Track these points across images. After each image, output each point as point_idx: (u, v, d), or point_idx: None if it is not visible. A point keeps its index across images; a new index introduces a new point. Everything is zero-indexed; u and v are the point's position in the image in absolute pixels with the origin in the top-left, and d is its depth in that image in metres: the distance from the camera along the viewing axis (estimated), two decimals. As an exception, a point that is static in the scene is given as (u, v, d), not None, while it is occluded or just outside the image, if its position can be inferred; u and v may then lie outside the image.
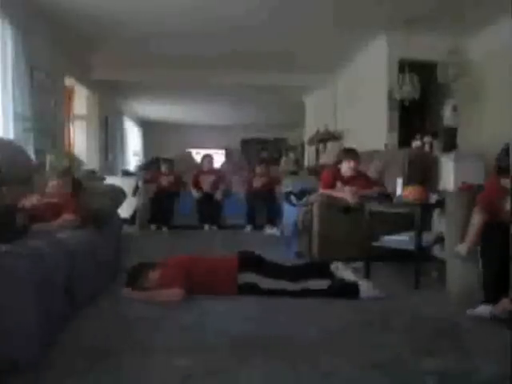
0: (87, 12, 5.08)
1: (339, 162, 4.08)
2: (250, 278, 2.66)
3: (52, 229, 2.46)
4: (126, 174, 8.01)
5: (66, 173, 3.32)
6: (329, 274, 2.81)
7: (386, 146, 5.47)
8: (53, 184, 2.92)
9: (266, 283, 2.65)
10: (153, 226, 5.75)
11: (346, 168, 3.92)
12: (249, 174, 6.51)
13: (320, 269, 2.90)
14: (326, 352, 1.81)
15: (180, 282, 2.53)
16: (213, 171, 6.34)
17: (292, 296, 2.60)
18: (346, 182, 3.87)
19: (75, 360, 1.71)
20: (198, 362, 1.70)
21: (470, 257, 2.41)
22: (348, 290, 2.68)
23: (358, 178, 3.90)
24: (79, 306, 2.24)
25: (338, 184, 3.89)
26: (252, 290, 2.62)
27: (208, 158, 6.43)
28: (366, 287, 2.69)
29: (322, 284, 2.70)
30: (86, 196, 3.00)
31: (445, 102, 5.40)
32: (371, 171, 4.26)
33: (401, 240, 3.15)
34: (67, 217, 2.66)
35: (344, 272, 2.86)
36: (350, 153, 4.05)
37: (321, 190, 3.92)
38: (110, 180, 5.42)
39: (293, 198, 4.29)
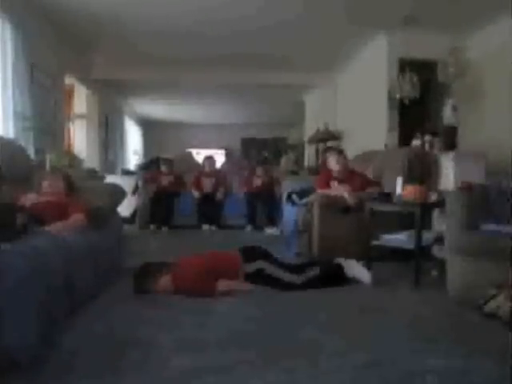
0: (87, 11, 5.09)
1: (325, 160, 4.16)
2: (257, 264, 2.75)
3: (66, 228, 2.45)
4: (126, 173, 8.02)
5: (53, 170, 3.32)
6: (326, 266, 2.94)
7: (385, 145, 5.47)
8: (44, 184, 2.92)
9: (272, 271, 2.74)
10: (153, 226, 5.75)
11: (333, 163, 3.98)
12: (249, 174, 6.50)
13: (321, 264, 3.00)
14: (326, 352, 1.81)
15: (210, 279, 2.59)
16: (214, 173, 6.33)
17: (295, 288, 2.69)
18: (341, 181, 3.87)
19: (75, 359, 1.71)
20: (197, 362, 1.70)
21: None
22: (333, 271, 2.85)
23: (354, 178, 3.90)
24: (79, 306, 2.23)
25: (335, 183, 3.90)
26: (259, 274, 2.70)
27: (210, 160, 6.41)
28: (350, 266, 2.86)
29: (316, 271, 2.83)
30: (79, 194, 3.00)
31: (445, 101, 5.41)
32: (370, 171, 4.26)
33: (401, 239, 3.15)
34: (79, 216, 2.67)
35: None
36: (329, 148, 4.20)
37: (318, 190, 3.92)
38: (110, 179, 5.43)
39: (295, 196, 4.29)
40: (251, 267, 2.74)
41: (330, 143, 7.41)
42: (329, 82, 7.78)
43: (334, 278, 2.83)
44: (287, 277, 2.75)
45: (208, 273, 2.62)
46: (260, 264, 2.76)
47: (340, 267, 2.88)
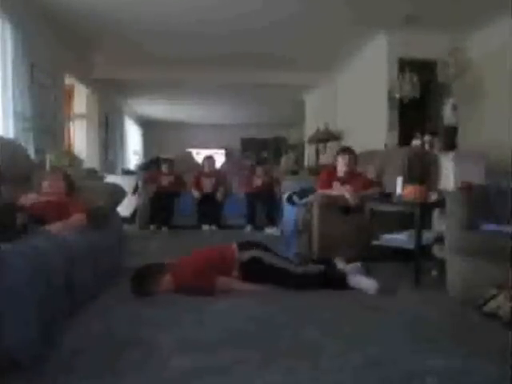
0: (88, 11, 5.09)
1: (336, 159, 4.11)
2: (252, 253, 2.73)
3: (66, 228, 2.45)
4: (126, 172, 8.02)
5: (54, 170, 3.32)
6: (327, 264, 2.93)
7: (385, 145, 5.47)
8: (44, 184, 2.92)
9: (270, 258, 2.73)
10: (153, 226, 5.74)
11: (342, 164, 3.94)
12: (249, 174, 6.50)
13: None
14: (327, 351, 1.81)
15: (209, 275, 2.59)
16: (214, 173, 6.33)
17: (292, 279, 2.68)
18: (344, 182, 3.87)
19: (75, 359, 1.71)
20: (198, 362, 1.70)
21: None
22: (336, 277, 2.78)
23: (356, 178, 3.90)
24: (79, 306, 2.23)
25: (338, 184, 3.89)
26: (254, 262, 2.68)
27: (209, 160, 6.40)
28: (354, 275, 2.77)
29: (317, 268, 2.82)
30: (80, 194, 3.00)
31: (445, 101, 5.41)
32: (370, 172, 4.26)
33: (401, 239, 3.15)
34: (79, 216, 2.67)
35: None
36: (345, 149, 4.15)
37: (319, 190, 3.92)
38: (110, 179, 5.43)
39: (295, 197, 4.29)
40: (245, 255, 2.72)
41: (329, 144, 7.42)
42: (329, 81, 7.78)
43: (335, 283, 2.73)
44: (285, 264, 2.74)
45: (207, 269, 2.62)
46: (255, 252, 2.73)
47: (343, 276, 2.77)
